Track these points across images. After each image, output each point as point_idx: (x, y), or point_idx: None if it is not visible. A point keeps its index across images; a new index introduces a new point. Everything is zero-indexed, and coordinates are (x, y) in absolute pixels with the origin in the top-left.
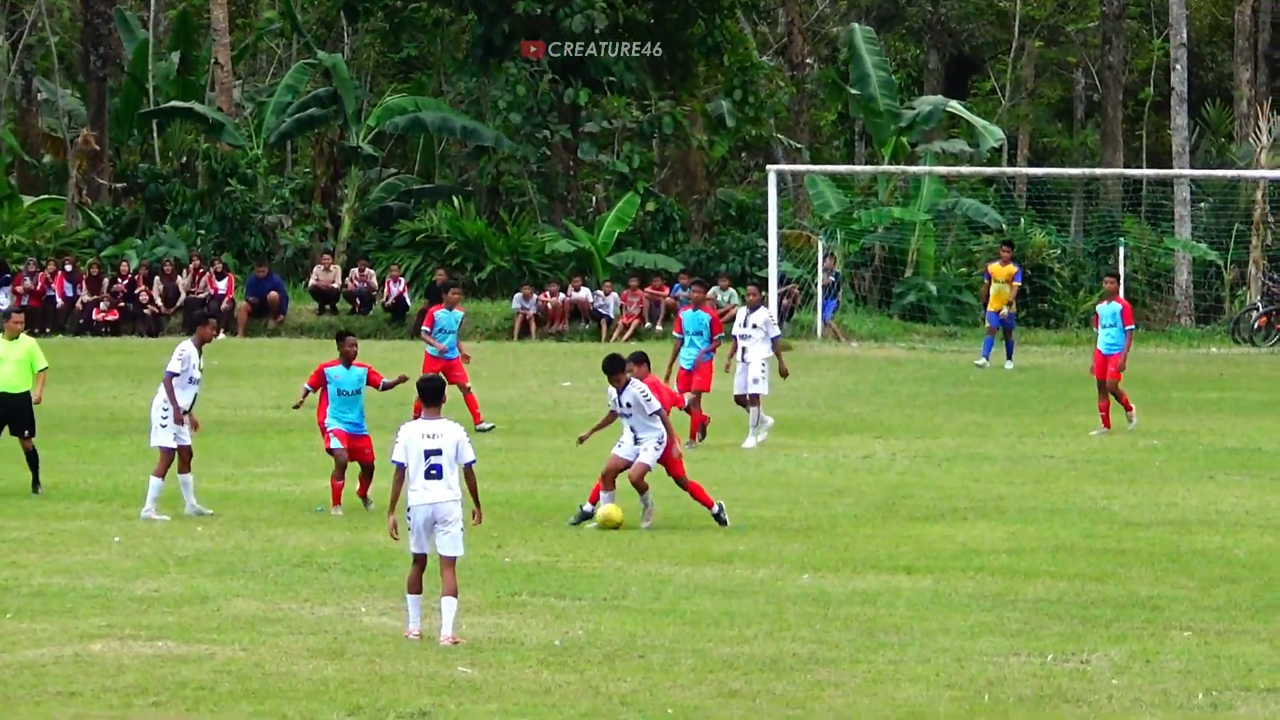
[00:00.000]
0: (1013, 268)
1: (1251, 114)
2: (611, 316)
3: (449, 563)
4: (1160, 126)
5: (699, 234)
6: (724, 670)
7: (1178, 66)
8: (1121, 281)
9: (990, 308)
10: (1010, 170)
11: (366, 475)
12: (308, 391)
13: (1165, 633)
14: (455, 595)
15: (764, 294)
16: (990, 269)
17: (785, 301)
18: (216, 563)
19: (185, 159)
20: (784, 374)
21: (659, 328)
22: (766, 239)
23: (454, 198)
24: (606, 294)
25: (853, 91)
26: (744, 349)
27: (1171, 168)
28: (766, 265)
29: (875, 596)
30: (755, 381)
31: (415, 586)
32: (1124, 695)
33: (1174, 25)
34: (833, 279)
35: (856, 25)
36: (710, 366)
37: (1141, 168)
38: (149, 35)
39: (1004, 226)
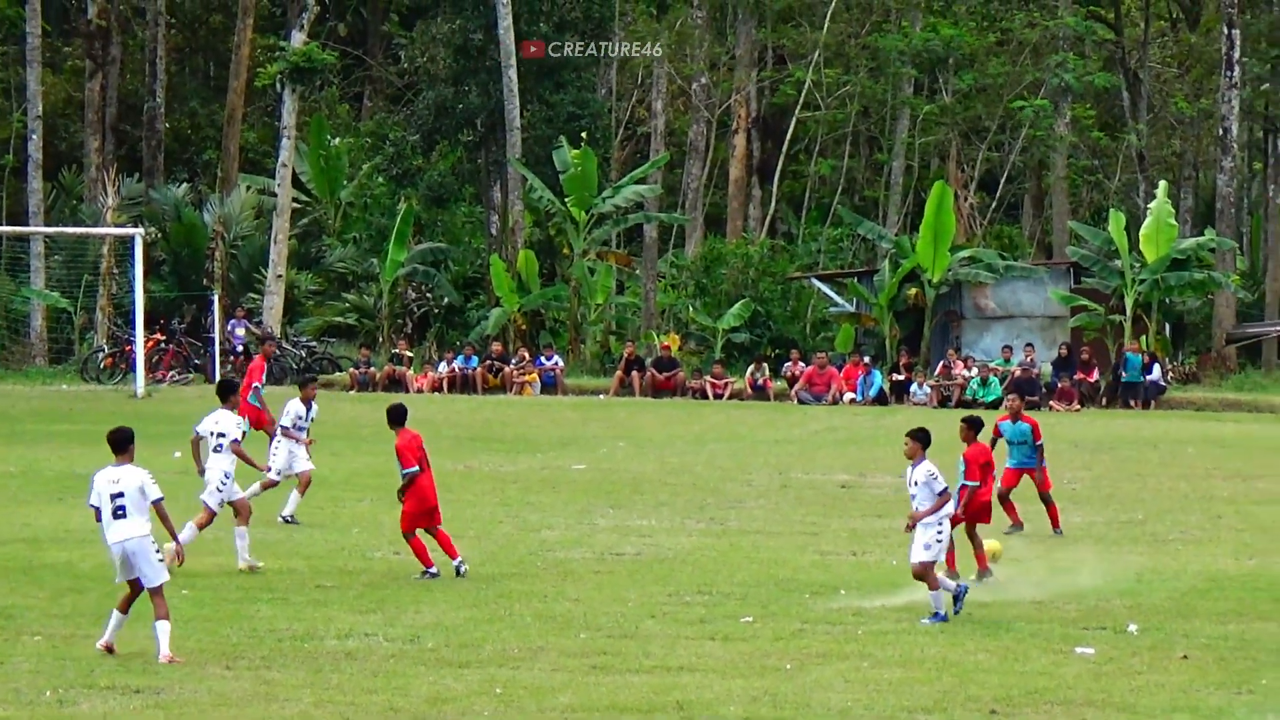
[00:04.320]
0: None
1: (100, 178)
2: None
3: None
4: (19, 189)
5: None
6: None
7: (34, 136)
8: None
9: None
10: None
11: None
12: None
13: (18, 638)
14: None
15: None
16: None
17: None
18: None
19: None
20: None
21: None
22: None
23: None
24: None
25: None
26: None
27: (29, 225)
28: None
29: None
30: None
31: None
32: None
33: (31, 100)
34: None
35: None
36: None
37: (0, 225)
38: None
39: None
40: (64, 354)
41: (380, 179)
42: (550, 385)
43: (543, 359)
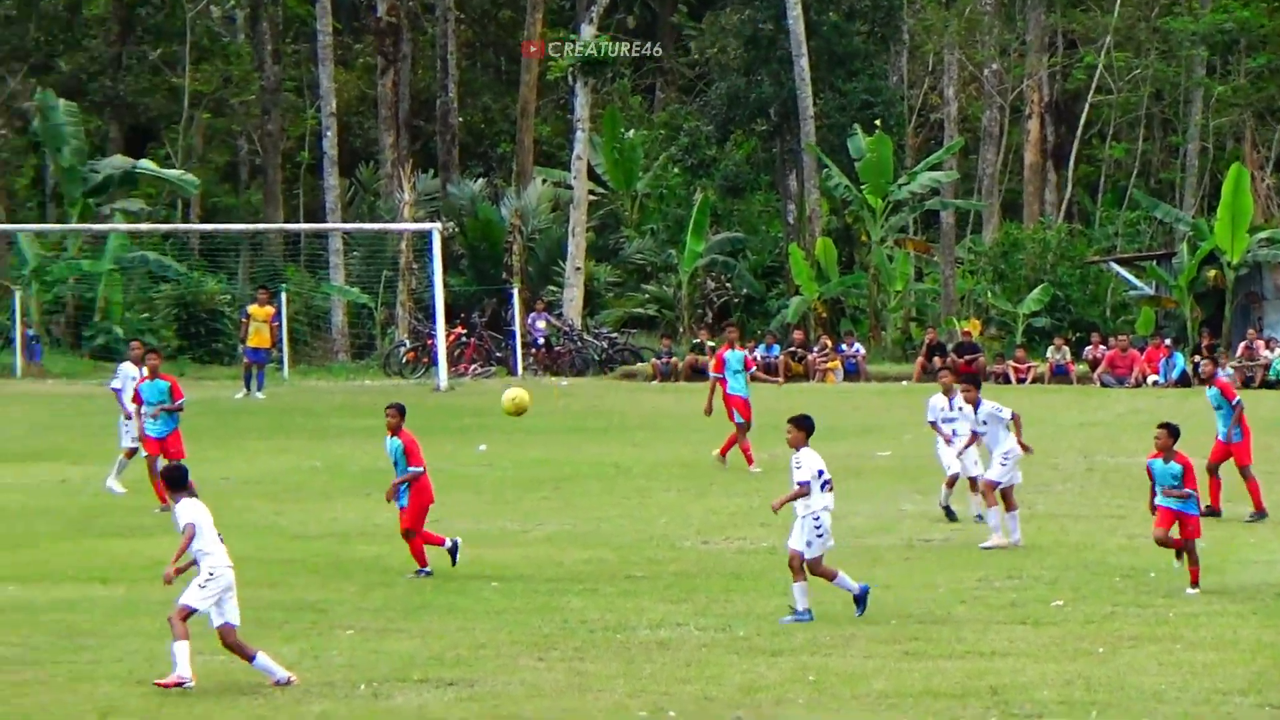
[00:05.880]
0: (271, 309)
1: (395, 174)
2: None
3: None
4: (316, 186)
5: None
6: None
7: (328, 133)
8: (284, 323)
9: (250, 344)
10: (184, 226)
11: None
12: None
13: (331, 631)
14: None
15: None
16: (250, 310)
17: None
18: None
19: None
20: None
21: None
22: None
23: None
24: None
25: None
26: None
27: (326, 222)
28: None
29: (75, 604)
30: None
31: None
32: (296, 688)
33: (324, 97)
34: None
35: (50, 92)
36: None
37: (300, 223)
38: None
39: (180, 276)
40: (366, 349)
41: (675, 170)
42: (852, 372)
43: (844, 346)
